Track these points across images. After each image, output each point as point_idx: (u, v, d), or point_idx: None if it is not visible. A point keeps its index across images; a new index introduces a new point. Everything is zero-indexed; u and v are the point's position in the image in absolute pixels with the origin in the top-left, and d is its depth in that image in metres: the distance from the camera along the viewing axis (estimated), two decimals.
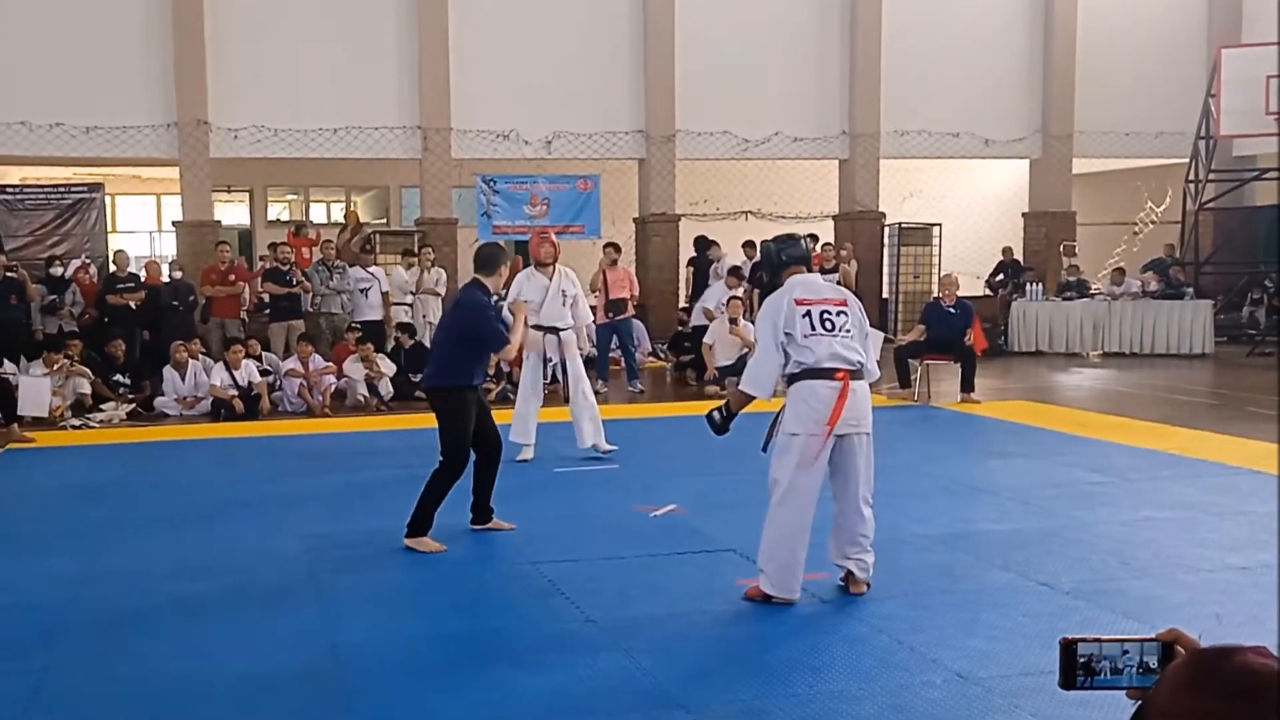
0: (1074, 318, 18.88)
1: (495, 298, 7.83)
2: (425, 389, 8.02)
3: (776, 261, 6.25)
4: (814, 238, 17.93)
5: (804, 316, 5.92)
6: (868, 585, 6.18)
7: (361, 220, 20.57)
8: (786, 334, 5.93)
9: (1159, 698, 1.43)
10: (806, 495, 5.95)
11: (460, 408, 7.34)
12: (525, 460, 9.85)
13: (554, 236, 10.29)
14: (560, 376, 10.30)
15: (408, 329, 15.21)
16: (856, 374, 5.95)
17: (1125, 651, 1.56)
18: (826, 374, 5.85)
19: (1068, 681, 1.60)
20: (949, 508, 8.22)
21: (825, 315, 5.93)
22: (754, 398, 6.10)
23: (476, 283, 7.53)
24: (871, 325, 15.26)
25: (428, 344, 15.57)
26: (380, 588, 6.58)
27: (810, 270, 6.32)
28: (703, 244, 18.54)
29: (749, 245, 17.72)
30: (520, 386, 10.46)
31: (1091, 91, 21.75)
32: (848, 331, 5.96)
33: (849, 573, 6.14)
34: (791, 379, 5.97)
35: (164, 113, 17.88)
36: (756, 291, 16.81)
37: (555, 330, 9.99)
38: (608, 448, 10.00)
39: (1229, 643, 1.46)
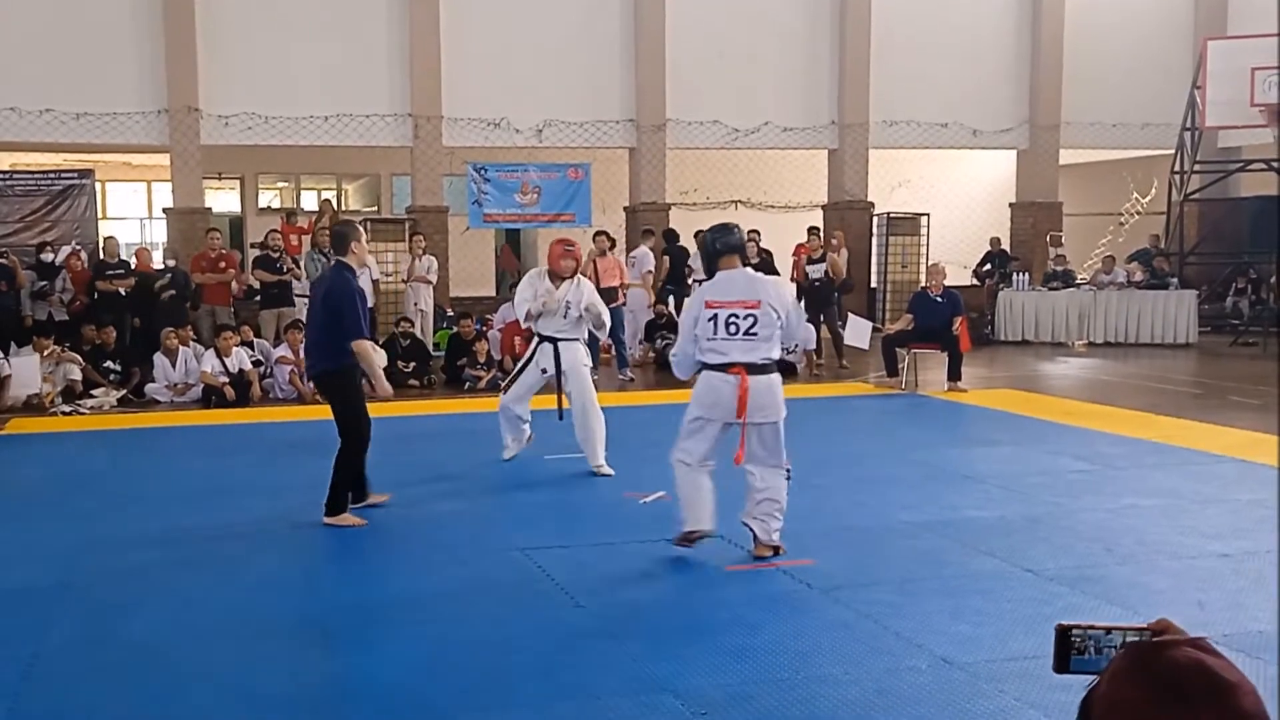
0: (1060, 307, 18.99)
1: (362, 272, 8.02)
2: (312, 378, 8.29)
3: (711, 250, 6.76)
4: (815, 230, 17.98)
5: (710, 320, 6.51)
6: (774, 551, 6.66)
7: (345, 209, 20.56)
8: (696, 335, 6.59)
9: (1102, 685, 1.51)
10: (698, 459, 6.69)
11: (348, 387, 7.67)
12: (508, 459, 9.57)
13: (579, 251, 9.56)
14: (556, 386, 9.43)
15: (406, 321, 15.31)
16: (758, 369, 6.45)
17: (1109, 635, 1.62)
18: (723, 369, 6.47)
19: (1061, 665, 1.66)
20: (935, 495, 8.30)
21: (731, 318, 6.47)
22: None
23: (341, 264, 7.73)
24: (860, 315, 15.25)
25: (419, 335, 15.66)
26: (369, 573, 6.65)
27: (745, 260, 6.82)
28: (673, 236, 18.54)
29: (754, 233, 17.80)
30: (513, 389, 9.72)
31: (1078, 83, 21.83)
32: (752, 334, 6.45)
33: (754, 535, 6.70)
34: (701, 368, 6.66)
35: (154, 99, 17.86)
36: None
37: (553, 340, 9.26)
38: (607, 470, 9.14)
39: (1172, 636, 1.54)
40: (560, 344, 9.19)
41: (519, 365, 9.71)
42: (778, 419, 6.57)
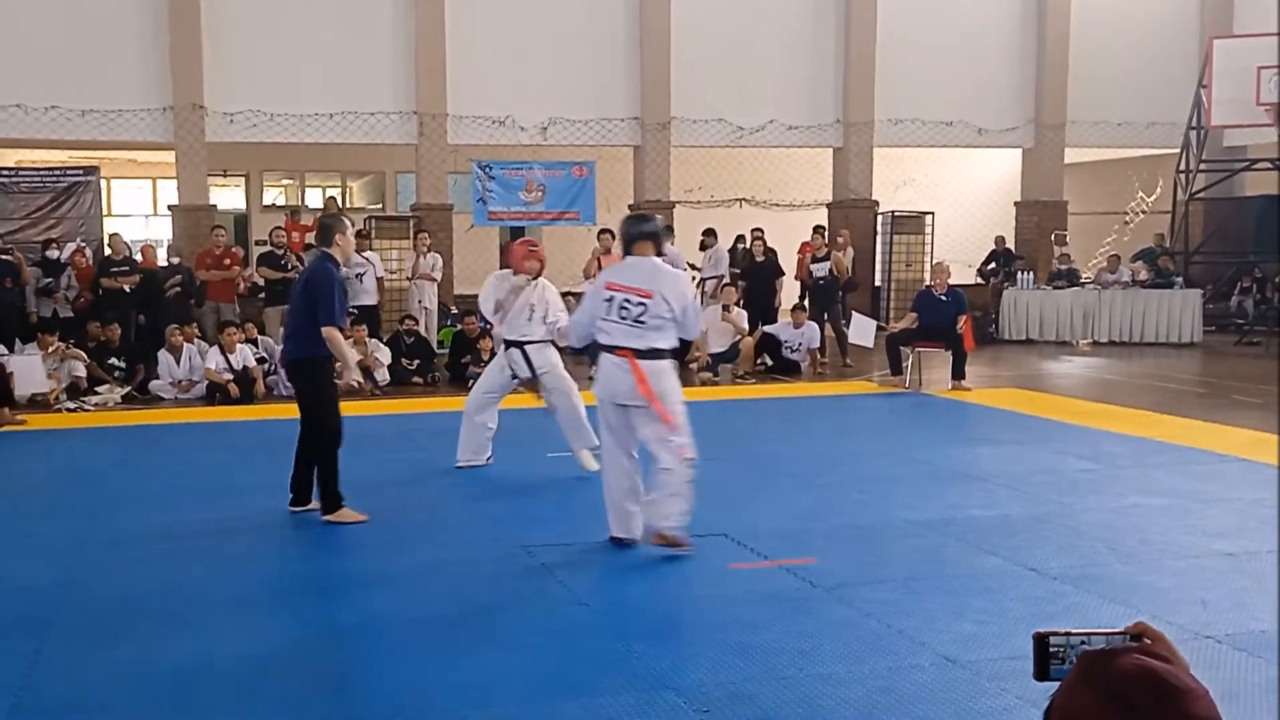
0: (1064, 306, 18.97)
1: (345, 266, 7.93)
2: (287, 364, 8.18)
3: (626, 236, 6.99)
4: (821, 229, 18.08)
5: (606, 301, 6.70)
6: (672, 543, 6.61)
7: (350, 206, 20.57)
8: (593, 313, 6.81)
9: (1058, 696, 1.50)
10: (613, 450, 6.86)
11: (320, 377, 7.62)
12: (461, 466, 9.24)
13: (542, 252, 9.18)
14: (532, 389, 9.23)
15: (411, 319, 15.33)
16: (644, 355, 6.58)
17: (1085, 644, 1.62)
18: (612, 350, 6.68)
19: (1041, 673, 1.66)
20: (939, 493, 8.30)
21: (625, 303, 6.64)
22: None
23: (325, 255, 7.67)
24: (864, 313, 15.21)
25: (424, 332, 15.67)
26: (373, 570, 6.64)
27: (659, 250, 6.94)
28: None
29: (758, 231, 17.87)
30: (467, 401, 9.49)
31: (1084, 82, 21.80)
32: (640, 321, 6.61)
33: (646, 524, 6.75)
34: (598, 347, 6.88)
35: (160, 96, 17.87)
36: (741, 283, 16.89)
37: (519, 344, 8.96)
38: (595, 467, 8.73)
39: (1122, 645, 1.54)
40: (528, 348, 8.93)
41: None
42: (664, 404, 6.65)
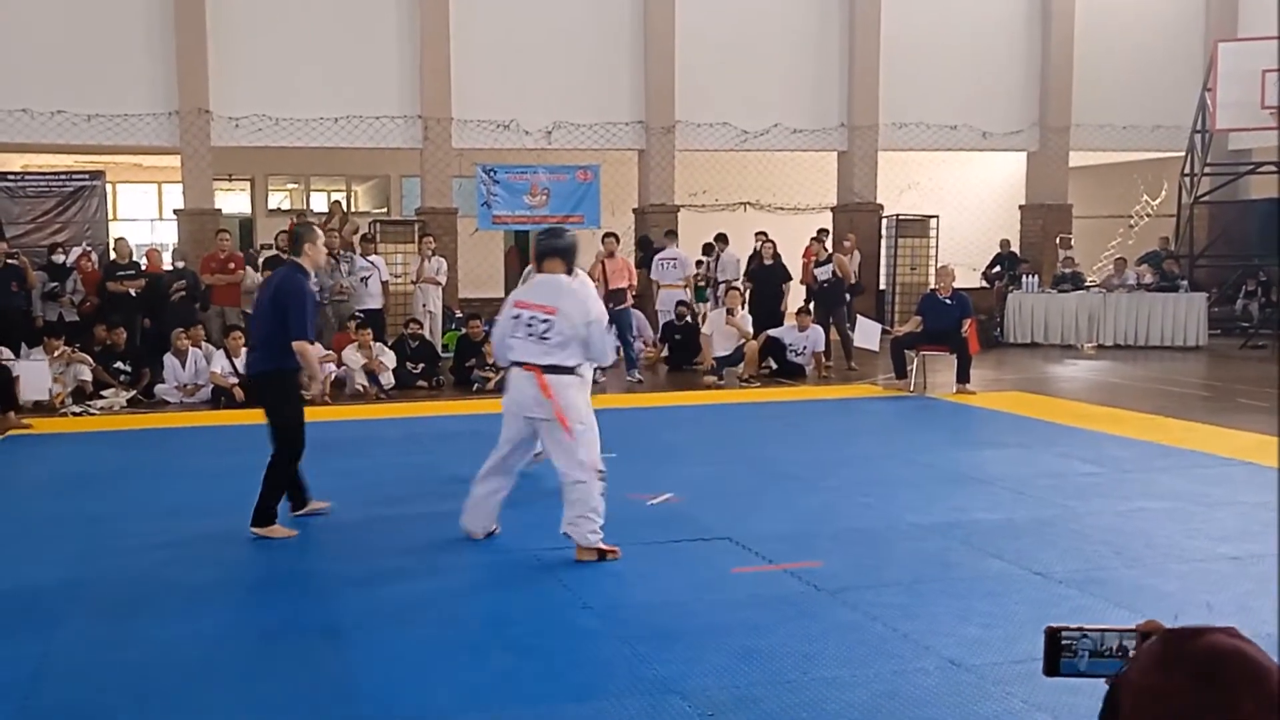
0: (1069, 310, 18.97)
1: (316, 275, 7.86)
2: (251, 376, 8.07)
3: (537, 252, 7.14)
4: (824, 232, 18.16)
5: (514, 318, 6.86)
6: (599, 555, 6.68)
7: (355, 210, 20.56)
8: (504, 331, 6.94)
9: (1132, 674, 1.49)
10: (498, 459, 7.09)
11: (288, 390, 7.52)
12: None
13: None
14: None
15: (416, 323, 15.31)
16: (548, 370, 6.69)
17: (1104, 641, 1.62)
18: (520, 364, 6.80)
19: (1051, 669, 1.66)
20: (944, 497, 8.29)
21: (531, 320, 6.78)
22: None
23: (294, 265, 7.61)
24: (868, 317, 15.14)
25: (428, 336, 15.68)
26: (377, 575, 6.64)
27: (569, 267, 7.03)
28: (646, 243, 18.64)
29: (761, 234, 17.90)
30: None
31: (1089, 85, 21.80)
32: (545, 338, 6.74)
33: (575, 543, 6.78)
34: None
35: (165, 101, 17.91)
36: (750, 286, 16.87)
37: None
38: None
39: (1201, 624, 1.52)
40: None
41: None
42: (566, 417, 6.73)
